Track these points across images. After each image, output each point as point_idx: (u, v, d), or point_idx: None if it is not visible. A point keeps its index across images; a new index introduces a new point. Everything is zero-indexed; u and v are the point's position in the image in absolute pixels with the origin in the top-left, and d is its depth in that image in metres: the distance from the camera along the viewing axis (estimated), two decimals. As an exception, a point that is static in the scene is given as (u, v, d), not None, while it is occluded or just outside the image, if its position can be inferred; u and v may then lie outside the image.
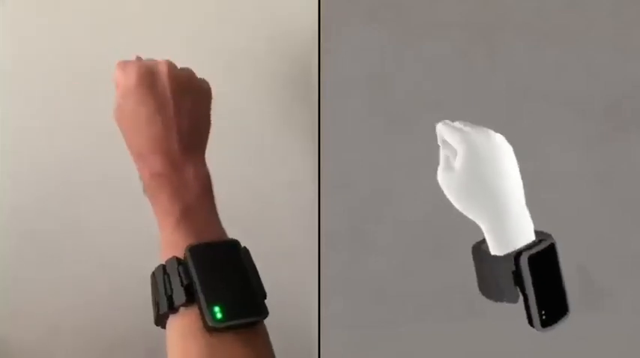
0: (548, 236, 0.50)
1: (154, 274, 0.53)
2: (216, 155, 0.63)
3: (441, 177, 0.53)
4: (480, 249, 0.51)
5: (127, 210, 0.61)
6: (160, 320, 0.51)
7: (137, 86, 0.54)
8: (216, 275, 0.51)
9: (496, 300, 0.50)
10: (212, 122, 0.60)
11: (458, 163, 0.51)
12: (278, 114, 0.78)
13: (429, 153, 0.63)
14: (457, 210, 0.54)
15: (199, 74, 0.61)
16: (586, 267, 0.66)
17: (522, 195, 0.51)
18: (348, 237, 0.74)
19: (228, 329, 0.48)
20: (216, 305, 0.49)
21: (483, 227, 0.50)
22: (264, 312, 0.51)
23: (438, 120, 0.57)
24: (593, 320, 0.65)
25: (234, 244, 0.54)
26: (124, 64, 0.56)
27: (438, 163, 0.56)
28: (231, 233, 0.75)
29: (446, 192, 0.52)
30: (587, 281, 0.65)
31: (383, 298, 0.72)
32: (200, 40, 0.73)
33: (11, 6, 0.71)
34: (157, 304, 0.51)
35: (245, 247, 0.55)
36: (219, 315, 0.48)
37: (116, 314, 0.56)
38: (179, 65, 0.60)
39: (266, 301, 0.54)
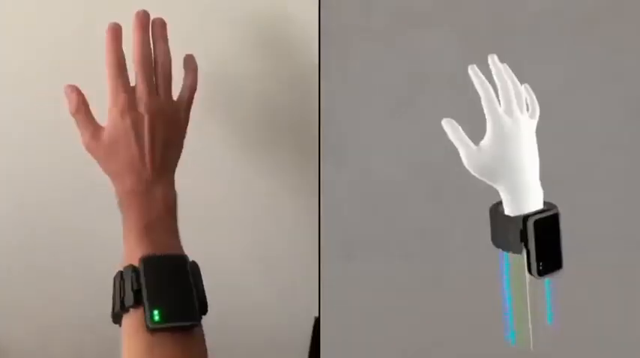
0: (554, 206, 0.61)
1: (114, 278, 0.61)
2: (216, 155, 0.71)
3: (465, 153, 0.61)
4: (496, 209, 0.62)
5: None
6: (116, 319, 0.60)
7: (122, 117, 0.63)
8: (161, 283, 0.59)
9: (504, 250, 0.61)
10: (211, 123, 0.69)
11: (486, 141, 0.61)
12: (278, 114, 0.80)
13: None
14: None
15: (201, 72, 0.67)
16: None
17: (537, 170, 0.61)
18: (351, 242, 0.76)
19: (165, 330, 0.56)
20: (156, 308, 0.56)
21: (502, 194, 0.61)
22: (196, 318, 0.59)
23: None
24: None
25: (183, 258, 0.62)
26: (115, 94, 0.63)
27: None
28: (232, 230, 0.84)
29: (470, 165, 0.61)
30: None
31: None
32: (199, 38, 0.74)
33: (9, 5, 0.71)
34: (113, 304, 0.60)
35: (194, 261, 0.63)
36: (157, 318, 0.56)
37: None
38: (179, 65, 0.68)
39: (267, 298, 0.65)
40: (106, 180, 0.64)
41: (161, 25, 0.66)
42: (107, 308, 0.61)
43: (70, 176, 0.80)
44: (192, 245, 0.63)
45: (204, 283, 0.62)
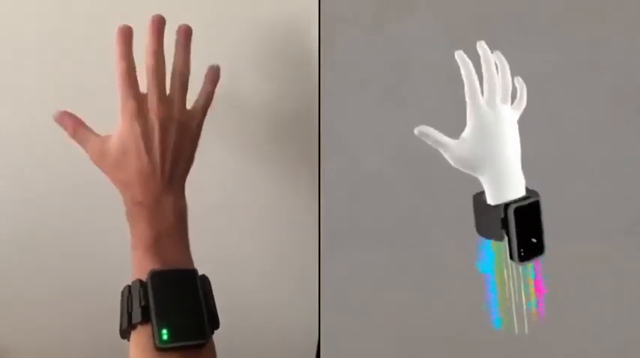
0: (536, 194, 0.62)
1: (122, 292, 0.59)
2: (215, 155, 0.70)
3: (446, 151, 0.62)
4: (479, 198, 0.63)
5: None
6: (123, 334, 0.58)
7: (132, 125, 0.61)
8: (170, 300, 0.57)
9: (487, 238, 0.63)
10: (211, 123, 0.66)
11: (466, 133, 0.62)
12: (278, 113, 0.79)
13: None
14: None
15: (197, 73, 0.65)
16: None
17: (519, 159, 0.62)
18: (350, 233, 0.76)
19: (175, 349, 0.55)
20: (164, 327, 0.55)
21: (483, 184, 0.62)
22: (206, 336, 0.57)
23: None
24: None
25: (193, 273, 0.60)
26: (125, 101, 0.61)
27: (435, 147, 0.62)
28: (231, 231, 0.84)
29: (452, 160, 0.62)
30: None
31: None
32: (197, 37, 0.68)
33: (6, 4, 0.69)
34: (121, 320, 0.58)
35: (204, 275, 0.61)
36: (165, 337, 0.54)
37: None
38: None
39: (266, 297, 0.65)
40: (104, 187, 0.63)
41: (186, 33, 0.63)
42: (107, 309, 0.61)
43: (73, 175, 0.79)
44: (191, 245, 0.63)
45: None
